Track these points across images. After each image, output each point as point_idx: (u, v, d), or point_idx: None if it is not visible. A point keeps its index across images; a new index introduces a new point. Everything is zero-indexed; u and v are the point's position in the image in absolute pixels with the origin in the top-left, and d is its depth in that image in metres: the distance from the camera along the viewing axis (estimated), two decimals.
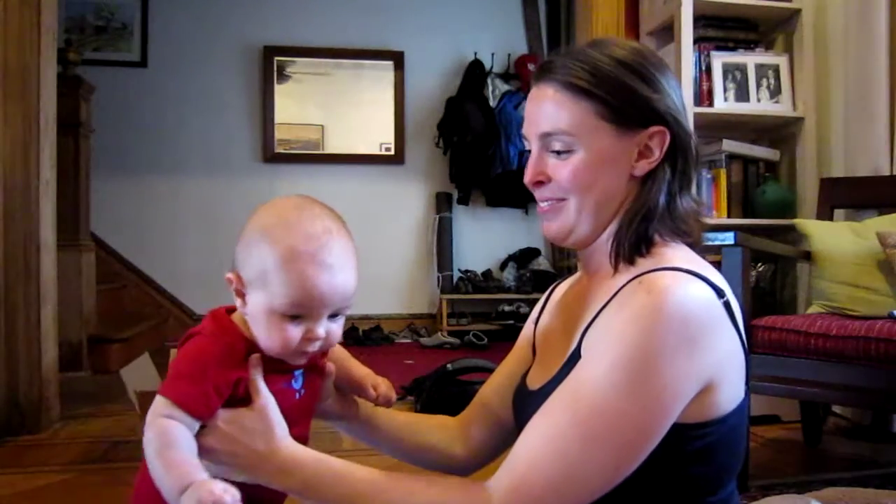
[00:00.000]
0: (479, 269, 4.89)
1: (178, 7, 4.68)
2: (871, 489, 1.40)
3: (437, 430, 1.02)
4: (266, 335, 0.78)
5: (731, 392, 0.80)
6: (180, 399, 0.74)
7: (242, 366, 0.79)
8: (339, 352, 0.94)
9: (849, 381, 1.72)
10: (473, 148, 4.63)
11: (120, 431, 2.39)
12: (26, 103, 2.38)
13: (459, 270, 4.89)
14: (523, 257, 4.88)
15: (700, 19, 2.61)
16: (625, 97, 0.84)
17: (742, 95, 2.64)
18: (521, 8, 5.07)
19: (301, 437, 0.83)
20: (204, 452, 0.76)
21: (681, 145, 0.86)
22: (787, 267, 2.67)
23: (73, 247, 3.35)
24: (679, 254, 0.84)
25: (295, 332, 0.77)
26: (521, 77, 4.85)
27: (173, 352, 0.83)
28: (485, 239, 4.99)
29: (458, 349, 4.26)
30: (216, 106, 4.74)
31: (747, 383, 0.84)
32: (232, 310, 0.83)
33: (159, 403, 0.74)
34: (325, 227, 0.78)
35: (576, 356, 0.82)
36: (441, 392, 2.58)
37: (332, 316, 0.79)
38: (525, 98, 0.93)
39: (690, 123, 0.90)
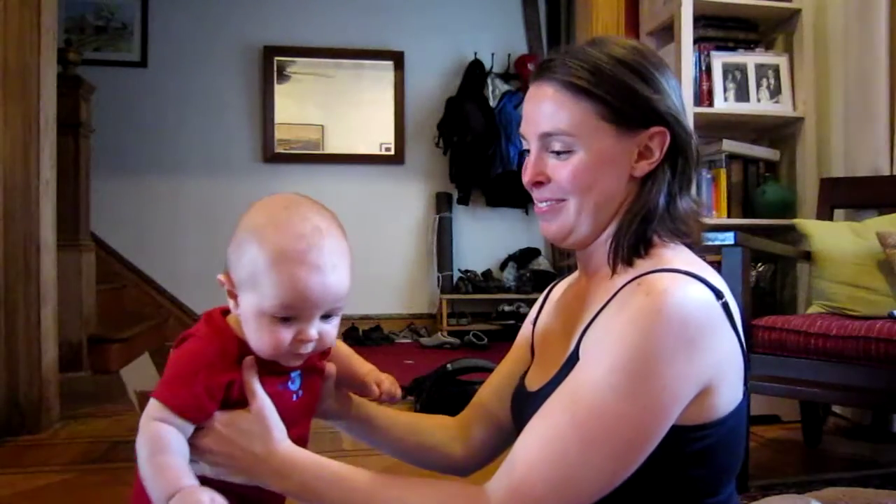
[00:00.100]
0: (479, 269, 4.89)
1: (178, 7, 4.67)
2: (871, 489, 1.39)
3: (436, 430, 1.02)
4: (257, 337, 0.77)
5: (729, 394, 0.80)
6: (171, 402, 0.74)
7: (235, 368, 0.78)
8: (343, 350, 0.93)
9: (849, 381, 1.72)
10: (473, 148, 4.63)
11: (120, 431, 2.39)
12: (26, 103, 2.38)
13: (459, 270, 4.89)
14: (523, 257, 4.88)
15: (700, 19, 2.61)
16: (625, 97, 0.83)
17: (742, 95, 2.64)
18: (521, 8, 5.07)
19: (301, 439, 0.83)
20: (202, 454, 0.76)
21: (681, 146, 0.86)
22: (787, 267, 2.67)
23: (73, 247, 3.35)
24: (678, 255, 0.84)
25: (286, 334, 0.76)
26: (521, 77, 4.85)
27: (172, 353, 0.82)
28: (485, 239, 4.99)
29: (458, 349, 4.26)
30: (216, 106, 4.74)
31: (746, 384, 0.84)
32: (227, 311, 0.82)
33: (152, 406, 0.74)
34: (315, 226, 0.76)
35: (574, 357, 0.81)
36: (441, 392, 2.58)
37: (326, 317, 0.78)
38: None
39: (690, 123, 0.90)
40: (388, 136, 4.93)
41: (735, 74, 2.64)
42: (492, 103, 4.72)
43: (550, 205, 0.88)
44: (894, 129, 2.33)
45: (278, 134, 4.81)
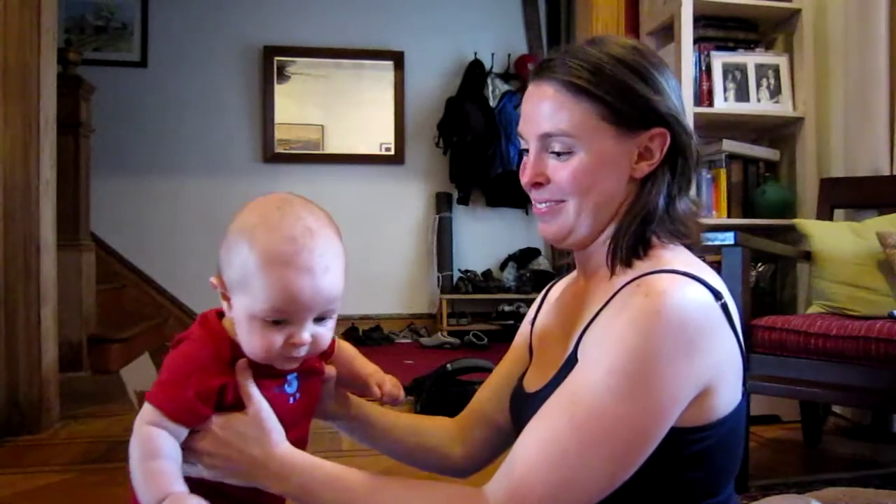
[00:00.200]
0: (479, 269, 4.89)
1: (178, 7, 4.67)
2: (871, 489, 1.39)
3: (435, 431, 1.02)
4: (248, 340, 0.76)
5: (728, 395, 0.80)
6: (164, 406, 0.73)
7: (229, 371, 0.77)
8: (347, 350, 0.92)
9: (849, 381, 1.72)
10: (473, 148, 4.63)
11: (120, 431, 2.39)
12: (26, 103, 2.38)
13: (459, 270, 4.89)
14: (523, 257, 4.88)
15: (700, 19, 2.61)
16: (626, 98, 0.83)
17: (742, 95, 2.64)
18: (521, 8, 5.06)
19: (300, 440, 0.82)
20: (200, 456, 0.76)
21: (681, 147, 0.86)
22: (787, 267, 2.67)
23: (73, 247, 3.35)
24: (677, 256, 0.84)
25: (277, 338, 0.74)
26: (521, 77, 4.85)
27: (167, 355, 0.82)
28: (485, 239, 4.99)
29: (458, 349, 4.26)
30: (216, 106, 4.74)
31: (745, 385, 0.84)
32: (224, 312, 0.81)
33: (145, 409, 0.74)
34: (307, 227, 0.74)
35: (573, 359, 0.81)
36: (441, 392, 2.58)
37: (320, 319, 0.76)
38: None
39: (690, 124, 0.89)
40: (388, 136, 4.93)
41: (735, 74, 2.64)
42: (492, 103, 4.72)
43: (549, 206, 0.88)
44: (894, 129, 2.33)
45: (278, 134, 4.81)
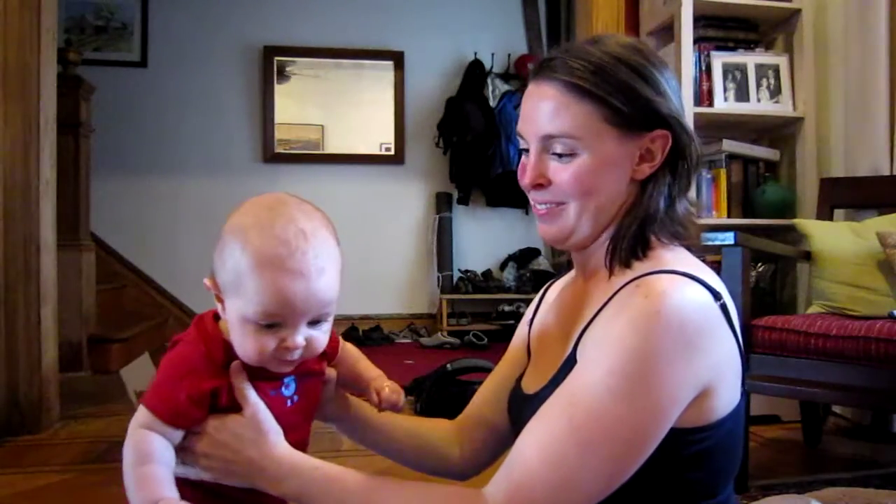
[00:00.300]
0: (479, 269, 4.89)
1: (178, 7, 4.67)
2: (871, 489, 1.40)
3: (434, 433, 1.01)
4: (240, 343, 0.74)
5: (727, 395, 0.80)
6: (156, 409, 0.73)
7: (221, 374, 0.76)
8: (351, 352, 0.91)
9: (849, 381, 1.72)
10: (473, 148, 4.63)
11: (120, 431, 2.35)
12: (26, 103, 2.38)
13: (459, 270, 4.88)
14: (523, 257, 4.88)
15: (700, 19, 2.61)
16: (629, 100, 0.82)
17: (742, 95, 2.64)
18: (521, 8, 5.06)
19: (300, 442, 0.82)
20: (197, 458, 0.76)
21: (682, 148, 0.85)
22: (787, 267, 2.67)
23: (73, 247, 3.35)
24: (677, 256, 0.83)
25: (269, 341, 0.72)
26: (521, 77, 4.85)
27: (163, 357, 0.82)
28: (485, 239, 4.99)
29: (458, 349, 4.25)
30: (216, 106, 4.74)
31: (744, 385, 0.84)
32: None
33: (140, 412, 0.74)
34: (300, 229, 0.72)
35: (572, 360, 0.81)
36: (441, 392, 2.58)
37: (315, 322, 0.75)
38: None
39: (690, 124, 0.89)
40: (388, 136, 4.92)
41: (735, 74, 2.64)
42: (492, 103, 4.72)
43: (550, 207, 0.87)
44: (894, 129, 2.33)
45: (278, 134, 4.81)
